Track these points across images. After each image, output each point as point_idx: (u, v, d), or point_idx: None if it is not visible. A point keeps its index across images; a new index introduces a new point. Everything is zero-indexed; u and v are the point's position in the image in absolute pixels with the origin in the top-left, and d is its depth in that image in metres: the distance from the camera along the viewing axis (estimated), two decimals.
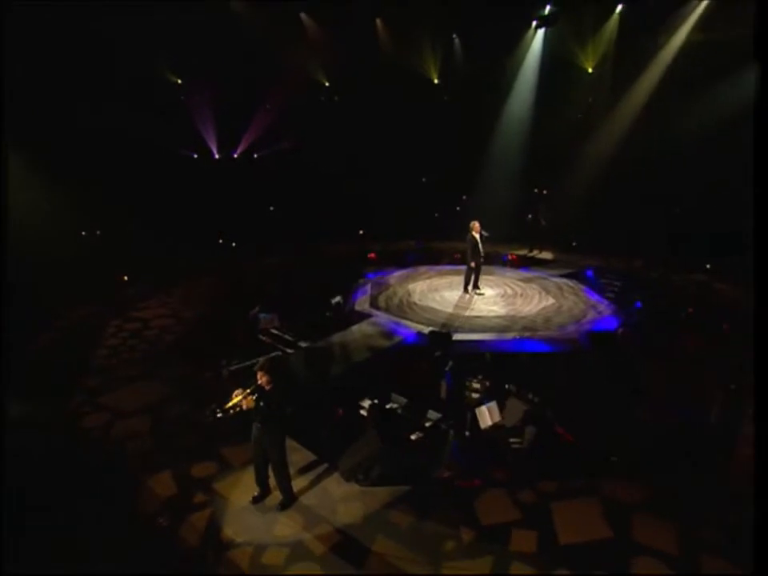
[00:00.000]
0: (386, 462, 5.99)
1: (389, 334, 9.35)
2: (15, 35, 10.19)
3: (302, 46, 16.71)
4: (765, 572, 3.09)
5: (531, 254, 15.58)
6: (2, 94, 8.29)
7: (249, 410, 5.18)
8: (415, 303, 11.00)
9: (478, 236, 10.97)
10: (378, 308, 10.70)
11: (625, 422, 6.84)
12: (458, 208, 18.41)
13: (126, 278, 13.41)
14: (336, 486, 5.91)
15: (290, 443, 6.07)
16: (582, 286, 12.22)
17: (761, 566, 3.13)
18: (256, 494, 5.66)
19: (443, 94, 18.32)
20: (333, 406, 7.21)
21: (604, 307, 10.78)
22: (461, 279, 11.75)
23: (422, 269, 13.90)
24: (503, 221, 14.92)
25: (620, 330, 9.24)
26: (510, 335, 9.21)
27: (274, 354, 8.54)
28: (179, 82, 16.72)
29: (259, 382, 5.24)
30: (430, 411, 7.05)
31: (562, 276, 13.05)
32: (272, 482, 5.67)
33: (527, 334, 9.26)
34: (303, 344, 9.03)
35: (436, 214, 18.42)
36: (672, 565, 4.80)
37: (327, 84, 18.48)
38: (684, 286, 12.56)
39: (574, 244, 16.03)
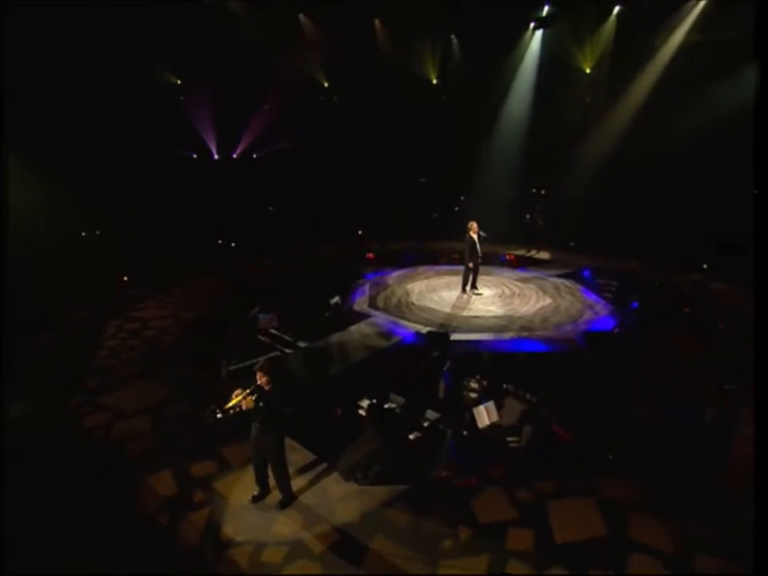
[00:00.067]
0: (385, 462, 6.03)
1: (387, 334, 9.41)
2: (15, 35, 10.23)
3: (301, 47, 16.76)
4: (765, 572, 3.12)
5: (529, 254, 15.65)
6: (2, 94, 8.33)
7: (248, 410, 5.21)
8: (413, 303, 11.06)
9: (476, 236, 11.04)
10: (376, 308, 10.77)
11: (621, 421, 6.89)
12: (456, 208, 18.47)
13: (125, 278, 13.43)
14: (335, 485, 5.95)
15: (290, 443, 6.11)
16: (579, 286, 12.30)
17: (761, 566, 3.15)
18: (256, 493, 5.70)
19: (442, 95, 18.38)
20: (332, 405, 7.24)
21: (601, 307, 10.85)
22: (459, 279, 11.83)
23: (421, 269, 13.97)
24: (501, 221, 14.98)
25: (616, 330, 9.31)
26: (507, 335, 9.28)
27: (273, 354, 8.60)
28: (178, 82, 16.76)
29: (259, 382, 5.27)
30: (428, 411, 7.09)
31: (559, 276, 13.14)
32: (271, 481, 5.71)
33: (524, 333, 9.33)
34: (302, 344, 9.10)
35: (435, 215, 18.47)
36: (666, 563, 4.85)
37: (326, 84, 18.52)
38: (681, 286, 12.63)
39: (571, 244, 16.10)
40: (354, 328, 9.69)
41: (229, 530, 5.28)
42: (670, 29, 14.45)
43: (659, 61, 14.91)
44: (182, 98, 16.83)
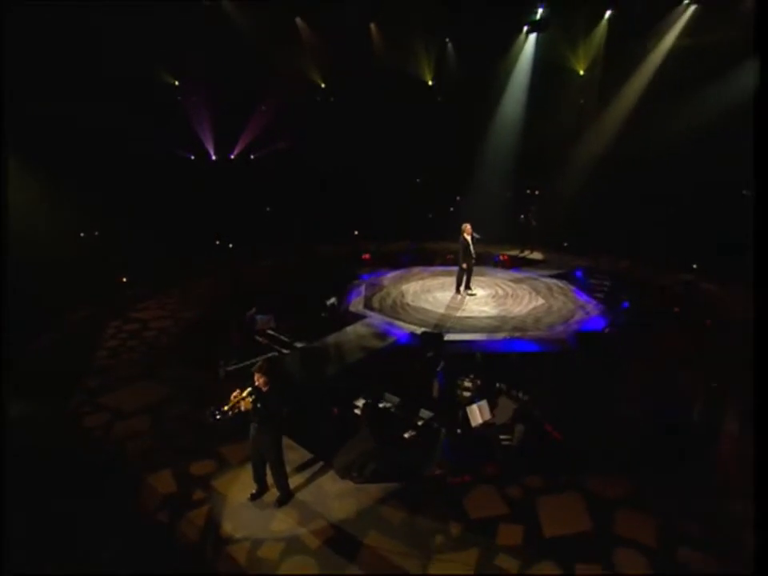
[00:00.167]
0: (380, 460, 6.15)
1: (382, 334, 9.55)
2: (15, 35, 10.30)
3: (298, 49, 16.86)
4: (765, 572, 3.20)
5: (523, 255, 15.82)
6: (2, 94, 8.41)
7: (247, 411, 5.32)
8: (408, 304, 11.21)
9: (469, 238, 11.17)
10: (371, 309, 10.91)
11: (611, 420, 7.04)
12: (451, 209, 18.62)
13: (124, 279, 13.50)
14: (331, 483, 6.08)
15: (287, 442, 6.24)
16: (572, 287, 12.46)
17: (761, 566, 3.24)
18: (254, 491, 5.82)
19: (437, 96, 18.52)
20: (328, 405, 7.36)
21: (592, 307, 11.02)
22: (453, 280, 11.96)
23: (415, 270, 14.11)
24: (496, 221, 15.14)
25: (607, 330, 9.48)
26: (500, 335, 9.43)
27: (270, 355, 8.72)
28: (176, 83, 16.83)
29: (257, 383, 5.38)
30: (423, 410, 7.20)
31: (552, 276, 13.29)
32: (269, 479, 5.82)
33: (517, 334, 9.48)
34: (299, 345, 9.21)
35: (430, 215, 18.61)
36: (650, 557, 5.01)
37: (323, 86, 18.63)
38: (671, 286, 12.82)
39: (565, 244, 16.27)
40: (349, 329, 9.82)
41: (228, 527, 5.40)
42: (661, 33, 14.64)
43: (650, 64, 15.11)
44: (179, 98, 16.90)
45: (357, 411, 7.17)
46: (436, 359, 8.06)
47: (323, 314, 10.51)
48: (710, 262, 13.42)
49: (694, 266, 13.77)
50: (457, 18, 15.56)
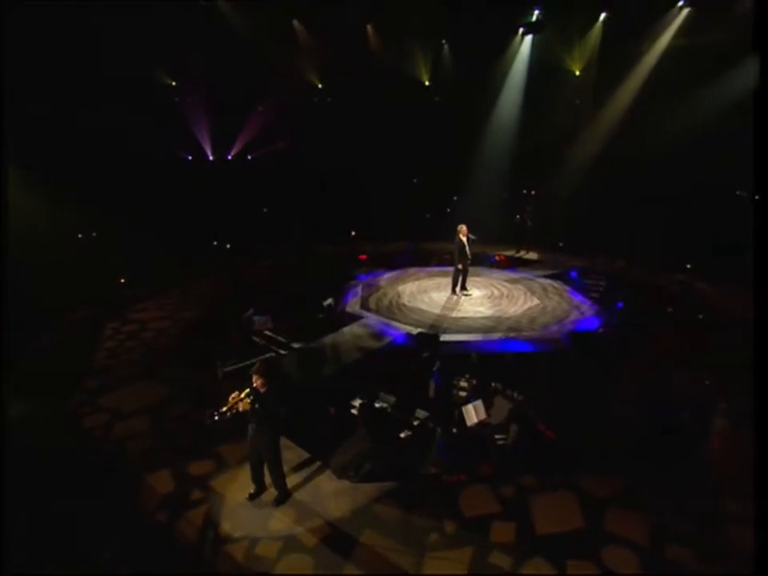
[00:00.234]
0: (376, 459, 6.23)
1: (378, 335, 9.61)
2: (15, 35, 10.35)
3: (295, 50, 16.91)
4: (765, 572, 3.26)
5: (518, 255, 15.90)
6: (2, 94, 8.46)
7: (245, 411, 5.39)
8: (404, 305, 11.27)
9: (465, 239, 11.25)
10: (368, 310, 10.96)
11: (604, 419, 7.13)
12: (448, 209, 18.69)
13: (123, 280, 13.56)
14: (328, 483, 6.16)
15: (284, 442, 6.33)
16: (567, 287, 12.53)
17: (761, 566, 3.30)
18: (252, 490, 5.89)
19: (434, 96, 18.58)
20: (325, 405, 7.44)
21: (587, 308, 11.10)
22: (449, 281, 12.03)
23: (412, 270, 14.17)
24: (492, 221, 15.23)
25: (601, 330, 9.58)
26: (495, 336, 9.49)
27: (268, 356, 8.80)
28: (173, 84, 16.87)
29: (254, 384, 5.46)
30: (418, 410, 7.28)
31: (547, 277, 13.36)
32: (267, 479, 5.90)
33: (512, 334, 9.55)
34: (296, 345, 9.28)
35: (427, 215, 18.69)
36: (640, 554, 5.11)
37: (320, 86, 18.68)
38: (666, 286, 12.92)
39: (560, 244, 16.36)
40: (346, 329, 9.88)
41: (226, 526, 5.48)
42: (656, 34, 14.74)
43: (645, 65, 15.21)
44: (177, 99, 16.94)
45: (353, 411, 7.23)
46: (432, 359, 8.13)
47: (320, 315, 10.55)
48: (704, 262, 13.51)
49: (688, 266, 13.86)
50: (453, 19, 15.62)
